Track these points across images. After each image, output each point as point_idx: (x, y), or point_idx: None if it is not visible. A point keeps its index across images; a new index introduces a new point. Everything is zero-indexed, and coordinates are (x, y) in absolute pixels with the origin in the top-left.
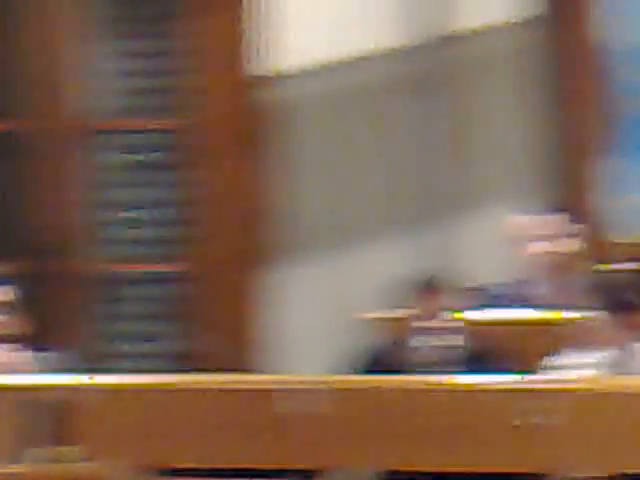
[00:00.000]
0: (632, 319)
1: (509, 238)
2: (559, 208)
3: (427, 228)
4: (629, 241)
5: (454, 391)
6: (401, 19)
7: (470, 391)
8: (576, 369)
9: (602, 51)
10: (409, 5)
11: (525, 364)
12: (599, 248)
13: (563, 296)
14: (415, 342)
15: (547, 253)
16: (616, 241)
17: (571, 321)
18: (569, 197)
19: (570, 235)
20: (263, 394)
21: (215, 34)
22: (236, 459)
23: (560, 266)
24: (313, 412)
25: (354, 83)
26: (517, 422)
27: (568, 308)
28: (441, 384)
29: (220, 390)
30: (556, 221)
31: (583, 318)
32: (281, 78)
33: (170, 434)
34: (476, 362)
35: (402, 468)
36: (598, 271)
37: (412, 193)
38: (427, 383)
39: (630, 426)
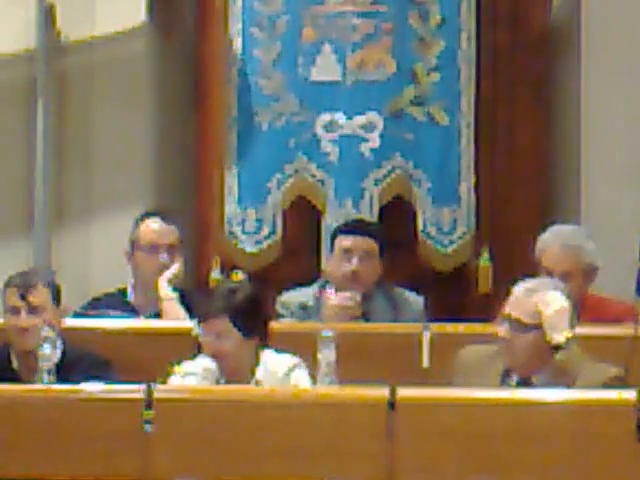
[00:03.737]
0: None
1: (130, 246)
2: (179, 217)
3: (44, 236)
4: (255, 250)
5: None
6: (12, 26)
7: None
8: (196, 377)
9: (233, 61)
10: (17, 13)
11: (147, 372)
12: (230, 257)
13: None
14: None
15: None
16: (247, 251)
17: (188, 330)
18: (199, 207)
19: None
20: None
21: None
22: None
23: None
24: None
25: None
26: None
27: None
28: None
29: None
30: (173, 231)
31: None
32: None
33: None
34: (69, 370)
35: None
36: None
37: (24, 201)
38: None
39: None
